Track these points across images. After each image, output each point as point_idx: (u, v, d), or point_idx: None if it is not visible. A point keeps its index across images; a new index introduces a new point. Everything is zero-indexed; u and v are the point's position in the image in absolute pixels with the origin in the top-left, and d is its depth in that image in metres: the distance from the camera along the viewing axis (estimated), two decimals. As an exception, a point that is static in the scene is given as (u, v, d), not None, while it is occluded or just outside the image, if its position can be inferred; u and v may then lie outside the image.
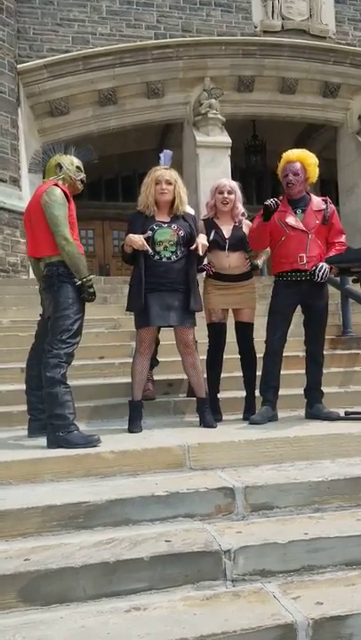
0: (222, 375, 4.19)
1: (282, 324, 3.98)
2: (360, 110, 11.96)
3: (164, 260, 3.72)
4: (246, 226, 4.19)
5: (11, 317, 6.20)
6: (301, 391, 4.11)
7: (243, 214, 4.20)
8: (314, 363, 4.07)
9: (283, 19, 11.53)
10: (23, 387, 3.74)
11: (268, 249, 4.15)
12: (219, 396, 4.15)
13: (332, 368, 4.99)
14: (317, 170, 4.05)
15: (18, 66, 10.06)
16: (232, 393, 4.30)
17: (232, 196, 4.14)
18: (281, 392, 4.06)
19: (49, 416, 3.33)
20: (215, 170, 10.21)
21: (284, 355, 4.05)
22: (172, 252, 3.73)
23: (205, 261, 4.08)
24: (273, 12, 11.48)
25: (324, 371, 4.16)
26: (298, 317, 4.14)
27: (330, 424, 3.74)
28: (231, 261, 4.10)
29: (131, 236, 3.71)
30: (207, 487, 2.75)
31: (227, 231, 4.13)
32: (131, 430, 3.65)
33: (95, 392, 4.33)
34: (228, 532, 2.52)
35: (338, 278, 5.61)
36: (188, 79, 11.19)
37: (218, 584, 2.30)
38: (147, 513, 2.63)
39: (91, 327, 5.26)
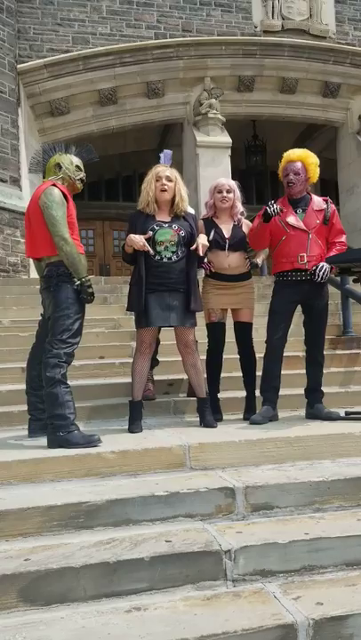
0: (222, 375, 4.19)
1: (282, 324, 3.98)
2: (360, 110, 11.96)
3: (164, 260, 3.72)
4: (246, 226, 4.19)
5: (11, 317, 6.20)
6: (302, 391, 4.11)
7: (242, 213, 4.20)
8: (314, 363, 4.07)
9: (283, 18, 11.54)
10: (24, 386, 3.74)
11: (267, 248, 4.15)
12: (219, 395, 4.15)
13: (333, 368, 4.99)
14: (318, 170, 4.05)
15: (18, 66, 10.06)
16: (232, 393, 4.30)
17: (231, 195, 4.14)
18: (281, 392, 4.06)
19: (49, 416, 3.32)
20: (215, 170, 10.19)
21: (284, 355, 4.05)
22: (172, 253, 3.73)
23: (205, 260, 4.08)
24: (273, 11, 11.48)
25: (325, 371, 4.16)
26: (298, 317, 4.14)
27: (330, 424, 3.74)
28: (231, 261, 4.09)
29: (131, 236, 3.71)
30: (208, 487, 2.75)
31: (226, 230, 4.12)
32: (131, 430, 3.64)
33: (95, 392, 4.32)
34: (228, 532, 2.52)
35: (338, 278, 5.61)
36: (188, 79, 11.19)
37: (218, 584, 2.30)
38: (147, 513, 2.63)
39: (91, 327, 5.27)
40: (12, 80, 9.88)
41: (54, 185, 3.49)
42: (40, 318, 3.79)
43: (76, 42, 10.56)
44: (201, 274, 4.13)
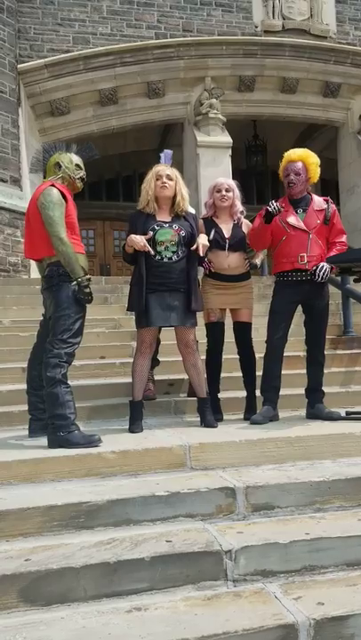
0: (222, 375, 4.19)
1: (283, 324, 3.98)
2: (361, 110, 11.99)
3: (165, 260, 3.71)
4: (246, 225, 4.18)
5: (11, 317, 6.21)
6: (302, 391, 4.11)
7: (241, 212, 4.20)
8: (315, 363, 4.07)
9: (283, 18, 11.53)
10: (24, 386, 3.74)
11: (266, 248, 4.16)
12: (219, 395, 4.15)
13: (333, 368, 4.99)
14: (319, 169, 4.05)
15: (18, 66, 10.06)
16: (233, 393, 4.30)
17: (230, 194, 4.14)
18: (282, 392, 4.05)
19: (50, 416, 3.32)
20: (216, 170, 10.19)
21: (284, 354, 4.05)
22: (173, 253, 3.72)
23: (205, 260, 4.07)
24: (274, 11, 11.47)
25: (325, 371, 4.16)
26: (298, 317, 4.13)
27: (331, 424, 3.74)
28: (231, 261, 4.09)
29: (132, 236, 3.70)
30: (208, 487, 2.75)
31: (226, 230, 4.12)
32: (132, 430, 3.64)
33: (96, 392, 4.32)
34: (229, 532, 2.52)
35: (339, 278, 5.61)
36: (188, 79, 11.19)
37: (219, 584, 2.30)
38: (148, 513, 2.62)
39: (92, 327, 5.26)
40: (12, 80, 9.88)
41: (53, 185, 3.49)
42: (41, 318, 3.79)
43: (76, 42, 10.56)
44: (200, 273, 4.13)
